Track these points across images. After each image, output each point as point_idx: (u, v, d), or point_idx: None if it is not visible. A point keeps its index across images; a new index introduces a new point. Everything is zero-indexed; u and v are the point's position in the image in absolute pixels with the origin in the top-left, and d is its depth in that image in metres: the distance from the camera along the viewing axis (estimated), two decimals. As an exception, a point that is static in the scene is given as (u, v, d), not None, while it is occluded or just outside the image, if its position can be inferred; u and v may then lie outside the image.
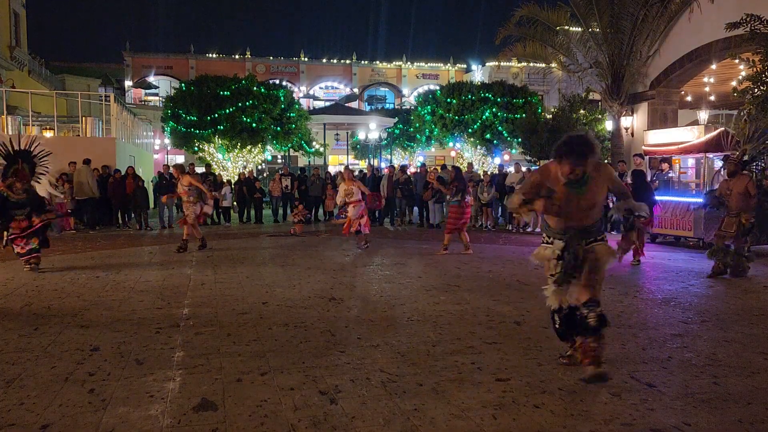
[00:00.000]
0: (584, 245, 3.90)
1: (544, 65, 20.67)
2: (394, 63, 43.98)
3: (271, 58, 42.38)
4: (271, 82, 27.44)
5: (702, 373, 4.06)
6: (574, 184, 3.82)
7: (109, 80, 34.11)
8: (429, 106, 24.99)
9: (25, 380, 3.90)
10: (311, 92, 41.37)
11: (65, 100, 26.59)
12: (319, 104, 36.31)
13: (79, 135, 18.82)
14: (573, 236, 3.91)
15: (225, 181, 17.95)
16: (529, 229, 14.16)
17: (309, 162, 26.17)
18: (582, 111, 18.30)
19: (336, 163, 31.88)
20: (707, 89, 18.21)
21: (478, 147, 23.97)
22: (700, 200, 10.92)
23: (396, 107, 38.75)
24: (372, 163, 20.69)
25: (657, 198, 11.81)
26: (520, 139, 20.86)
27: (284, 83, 31.84)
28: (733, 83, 14.57)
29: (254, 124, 20.73)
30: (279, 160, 31.65)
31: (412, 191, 16.12)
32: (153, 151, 29.41)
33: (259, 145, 21.90)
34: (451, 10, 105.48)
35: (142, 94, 40.36)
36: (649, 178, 12.60)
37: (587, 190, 3.86)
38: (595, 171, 3.88)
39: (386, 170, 17.54)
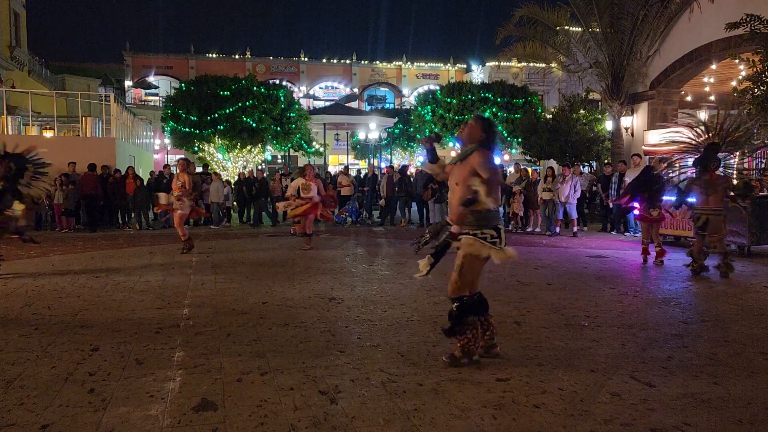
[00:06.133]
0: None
1: (544, 65, 20.68)
2: (394, 63, 44.01)
3: (271, 58, 42.43)
4: (271, 82, 27.45)
5: (702, 373, 4.06)
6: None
7: (109, 80, 34.02)
8: (429, 106, 25.00)
9: (25, 380, 3.89)
10: (311, 92, 41.40)
11: (65, 100, 26.60)
12: (319, 104, 36.32)
13: (79, 135, 18.82)
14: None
15: (224, 180, 17.90)
16: (529, 230, 14.16)
17: (309, 162, 26.16)
18: (582, 111, 18.29)
19: (336, 163, 31.89)
20: (707, 89, 18.21)
21: (479, 147, 23.98)
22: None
23: (396, 107, 38.78)
24: (372, 162, 20.67)
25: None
26: (520, 139, 20.87)
27: (284, 83, 31.84)
28: (733, 83, 14.56)
29: (254, 124, 20.72)
30: (279, 160, 31.67)
31: (409, 191, 16.12)
32: (153, 151, 29.42)
33: (259, 145, 21.90)
34: (451, 10, 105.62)
35: (142, 94, 40.41)
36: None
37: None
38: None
39: (385, 170, 17.53)
